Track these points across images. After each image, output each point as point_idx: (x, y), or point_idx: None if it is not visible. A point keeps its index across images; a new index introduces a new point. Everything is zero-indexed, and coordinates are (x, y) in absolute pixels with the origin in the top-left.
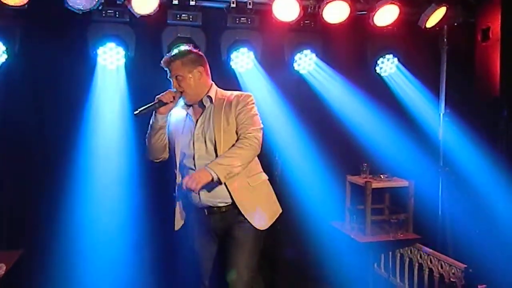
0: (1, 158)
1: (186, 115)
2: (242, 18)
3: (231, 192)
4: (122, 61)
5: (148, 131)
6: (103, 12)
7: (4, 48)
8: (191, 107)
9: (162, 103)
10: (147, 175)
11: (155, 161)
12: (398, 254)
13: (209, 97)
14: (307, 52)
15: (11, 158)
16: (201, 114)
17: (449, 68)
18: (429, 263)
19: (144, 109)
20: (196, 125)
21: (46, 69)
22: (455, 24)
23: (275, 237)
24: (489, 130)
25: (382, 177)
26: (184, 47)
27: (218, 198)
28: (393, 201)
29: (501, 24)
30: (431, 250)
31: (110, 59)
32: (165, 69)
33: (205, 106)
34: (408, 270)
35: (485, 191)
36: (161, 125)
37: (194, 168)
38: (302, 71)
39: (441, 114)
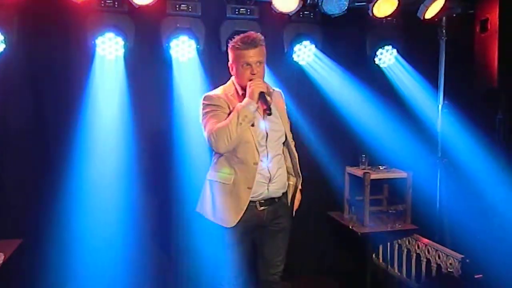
0: (0, 148)
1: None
2: (241, 9)
3: (292, 180)
4: (121, 51)
5: (239, 123)
6: (102, 2)
7: (2, 37)
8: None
9: (265, 94)
10: (146, 166)
11: (225, 152)
12: (396, 245)
13: (272, 89)
14: (307, 43)
15: (10, 148)
16: (268, 107)
17: (448, 59)
18: (426, 253)
19: (269, 109)
20: (264, 115)
21: (44, 59)
22: (454, 15)
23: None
24: (487, 121)
25: (381, 168)
26: (258, 34)
27: (282, 188)
28: (392, 192)
29: (499, 15)
30: (428, 241)
31: (109, 49)
32: (244, 51)
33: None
34: (406, 260)
35: (483, 182)
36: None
37: (262, 159)
38: (301, 62)
39: (440, 105)
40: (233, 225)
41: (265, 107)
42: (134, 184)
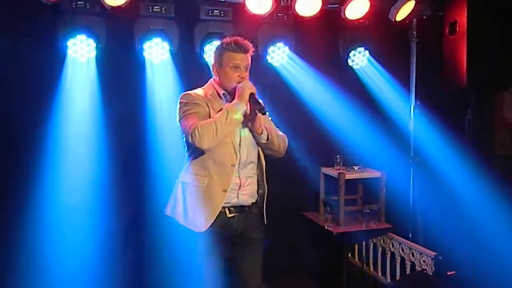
0: None
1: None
2: (215, 11)
3: (262, 189)
4: (93, 53)
5: (227, 123)
6: (73, 3)
7: None
8: (225, 100)
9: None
10: (119, 168)
11: (207, 149)
12: (371, 244)
13: None
14: (280, 45)
15: None
16: (258, 106)
17: (419, 60)
18: (401, 251)
19: (263, 108)
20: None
21: (14, 60)
22: (424, 17)
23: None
24: (457, 121)
25: (355, 168)
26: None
27: (251, 197)
28: (366, 192)
29: (467, 17)
30: (402, 239)
31: (81, 51)
32: (236, 53)
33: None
34: (381, 259)
35: (454, 181)
36: None
37: (236, 164)
38: (275, 64)
39: (412, 106)
40: (205, 229)
41: (257, 107)
42: (106, 186)
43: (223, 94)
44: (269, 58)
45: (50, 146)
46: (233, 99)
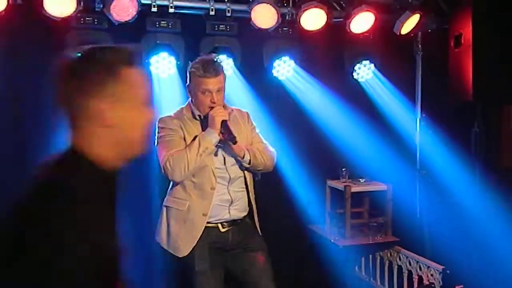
0: None
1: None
2: (221, 25)
3: (252, 201)
4: None
5: (199, 154)
6: (82, 19)
7: None
8: (200, 122)
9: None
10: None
11: (181, 181)
12: (378, 257)
13: (231, 110)
14: (286, 58)
15: None
16: (229, 136)
17: (424, 73)
18: (408, 265)
19: (233, 138)
20: (221, 138)
21: (23, 77)
22: (429, 30)
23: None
24: (463, 134)
25: (361, 181)
26: (217, 59)
27: (243, 210)
28: (372, 205)
29: (472, 30)
30: (409, 253)
31: None
32: (205, 78)
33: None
34: (388, 272)
35: (460, 194)
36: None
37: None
38: (281, 78)
39: (418, 119)
40: (186, 254)
41: (228, 136)
42: None
43: (198, 115)
44: (274, 72)
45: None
46: (206, 124)
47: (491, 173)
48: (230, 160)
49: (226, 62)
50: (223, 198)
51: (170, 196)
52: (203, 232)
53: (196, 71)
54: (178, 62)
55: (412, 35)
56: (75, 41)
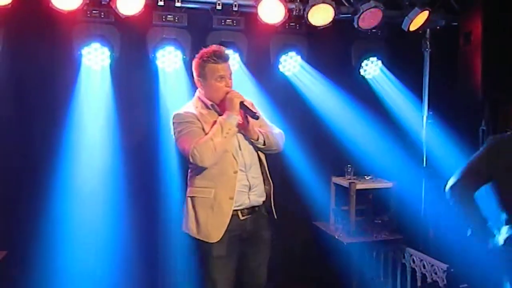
0: None
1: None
2: (227, 20)
3: (268, 186)
4: (107, 61)
5: (224, 136)
6: (88, 12)
7: None
8: (214, 110)
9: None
10: (132, 175)
11: (210, 165)
12: (382, 254)
13: None
14: (292, 54)
15: None
16: (250, 113)
17: (432, 70)
18: (412, 263)
19: (254, 114)
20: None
21: (30, 69)
22: (438, 27)
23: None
24: (470, 132)
25: (366, 178)
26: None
27: (261, 196)
28: (377, 202)
29: (482, 28)
30: (414, 251)
31: (95, 60)
32: (219, 65)
33: None
34: (392, 270)
35: None
36: None
37: (243, 170)
38: (287, 73)
39: (424, 116)
40: (219, 239)
41: (249, 113)
42: (120, 193)
43: (211, 105)
44: (281, 67)
45: (65, 154)
46: (222, 109)
47: None
48: (245, 146)
49: (233, 57)
50: (242, 184)
51: (193, 187)
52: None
53: (210, 59)
54: (184, 57)
55: (420, 32)
56: (82, 34)
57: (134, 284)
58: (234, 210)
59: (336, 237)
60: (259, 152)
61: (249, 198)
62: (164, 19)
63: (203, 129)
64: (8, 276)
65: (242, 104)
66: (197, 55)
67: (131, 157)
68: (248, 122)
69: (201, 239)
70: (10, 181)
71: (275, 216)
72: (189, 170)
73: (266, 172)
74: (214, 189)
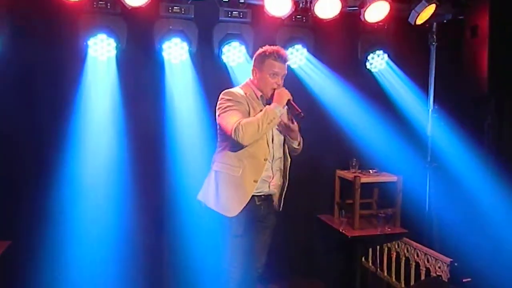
0: None
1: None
2: (234, 12)
3: (285, 181)
4: (113, 52)
5: (268, 123)
6: (95, 3)
7: None
8: (262, 102)
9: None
10: (138, 167)
11: (247, 144)
12: (386, 248)
13: None
14: (299, 47)
15: (1, 149)
16: (297, 111)
17: (438, 64)
18: (415, 257)
19: (300, 113)
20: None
21: (36, 60)
22: (445, 21)
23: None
24: (476, 126)
25: (371, 172)
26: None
27: (277, 187)
28: (382, 196)
29: (489, 22)
30: (417, 244)
31: (101, 51)
32: (278, 63)
33: None
34: (395, 263)
35: (472, 186)
36: None
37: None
38: (293, 66)
39: (430, 110)
40: (235, 214)
41: (295, 111)
42: (126, 185)
43: (261, 96)
44: None
45: (71, 145)
46: (269, 102)
47: (503, 166)
48: (276, 140)
49: (239, 49)
50: (267, 174)
51: (221, 163)
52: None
53: (272, 55)
54: (191, 48)
55: (427, 25)
56: (88, 25)
57: (139, 275)
58: (253, 195)
59: (341, 230)
60: (285, 149)
61: (269, 187)
62: (170, 11)
63: (249, 113)
64: (12, 266)
65: (289, 101)
66: (261, 48)
67: (137, 147)
68: (293, 122)
69: (218, 211)
70: (15, 172)
71: (280, 208)
72: (221, 146)
73: (286, 168)
74: (242, 169)
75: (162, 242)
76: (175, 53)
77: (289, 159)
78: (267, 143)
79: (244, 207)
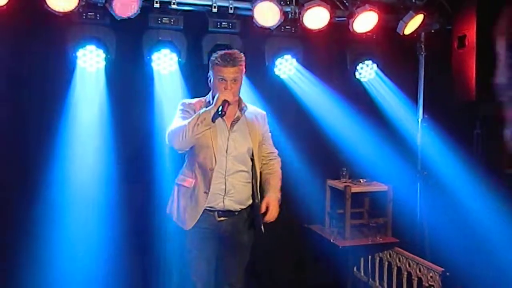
0: None
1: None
2: (223, 23)
3: (256, 199)
4: (102, 63)
5: (197, 124)
6: (84, 14)
7: None
8: None
9: (228, 103)
10: (127, 177)
11: (182, 151)
12: (377, 258)
13: (245, 105)
14: (288, 57)
15: None
16: (235, 120)
17: (427, 74)
18: (407, 266)
19: (221, 110)
20: (230, 128)
21: (24, 70)
22: (432, 31)
23: (254, 241)
24: (465, 135)
25: (362, 182)
26: (240, 53)
27: (239, 203)
28: (373, 205)
29: (476, 32)
30: (409, 254)
31: (90, 62)
32: (222, 67)
33: (239, 112)
34: (387, 273)
35: (462, 195)
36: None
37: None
38: (282, 76)
39: (419, 119)
40: (190, 228)
41: (220, 110)
42: (114, 194)
43: (208, 102)
44: (276, 70)
45: (60, 155)
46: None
47: (492, 175)
48: (237, 153)
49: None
50: (219, 187)
51: (181, 175)
52: (201, 216)
53: (215, 60)
54: (180, 59)
55: (415, 35)
56: (77, 36)
57: (126, 279)
58: (210, 210)
59: (331, 240)
60: (254, 163)
61: (223, 202)
62: (160, 22)
63: None
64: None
65: (224, 101)
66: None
67: (126, 158)
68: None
69: (178, 224)
70: (3, 181)
71: (262, 229)
72: (184, 159)
73: (254, 187)
74: (194, 181)
75: (151, 245)
76: (164, 64)
77: (257, 177)
78: (214, 153)
79: (202, 221)
